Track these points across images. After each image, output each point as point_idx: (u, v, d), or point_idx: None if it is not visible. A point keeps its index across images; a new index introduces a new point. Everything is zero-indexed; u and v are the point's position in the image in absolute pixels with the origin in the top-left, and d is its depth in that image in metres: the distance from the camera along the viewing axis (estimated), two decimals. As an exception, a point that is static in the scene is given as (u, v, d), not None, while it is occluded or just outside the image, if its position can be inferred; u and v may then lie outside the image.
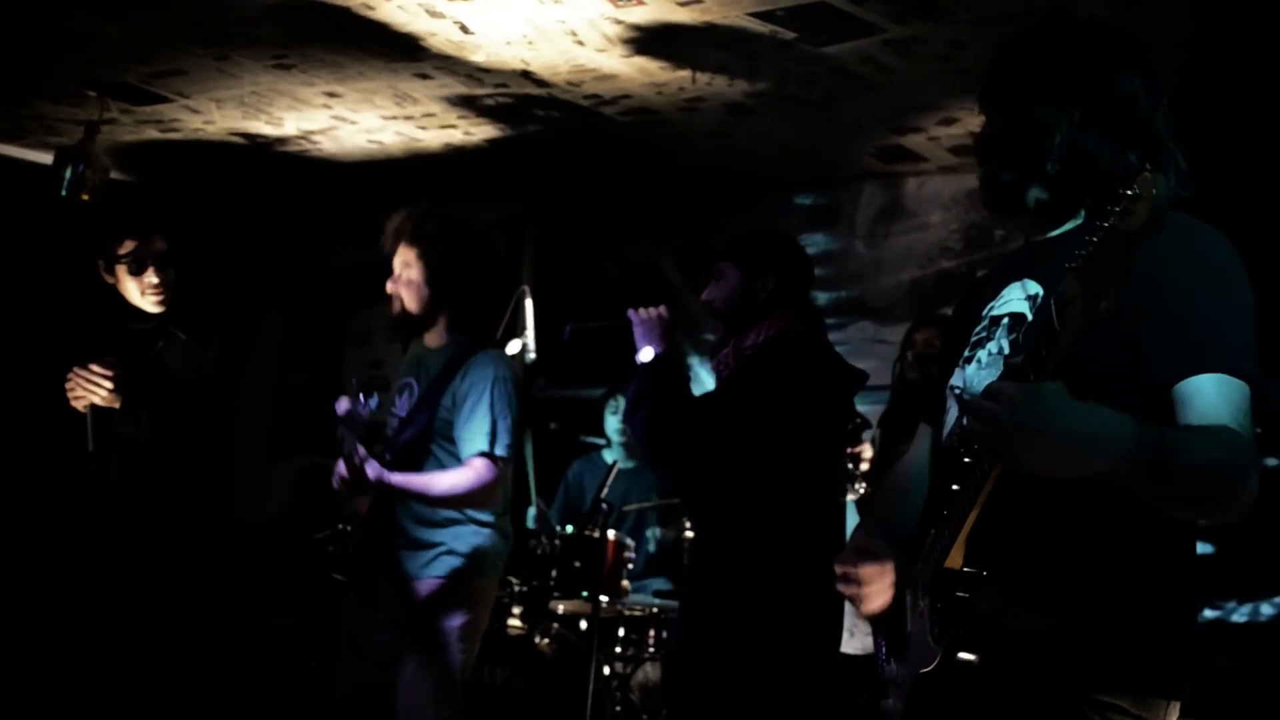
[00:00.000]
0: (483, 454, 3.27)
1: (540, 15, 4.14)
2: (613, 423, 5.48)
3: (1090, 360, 1.65)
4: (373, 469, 3.15)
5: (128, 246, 3.58)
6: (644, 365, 3.07)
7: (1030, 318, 1.80)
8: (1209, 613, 4.53)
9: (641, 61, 4.50)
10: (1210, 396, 1.62)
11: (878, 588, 1.90)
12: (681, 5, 3.96)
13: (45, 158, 5.70)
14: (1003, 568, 1.68)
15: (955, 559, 1.69)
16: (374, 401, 3.20)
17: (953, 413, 1.89)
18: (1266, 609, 4.50)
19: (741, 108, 4.91)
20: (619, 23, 4.15)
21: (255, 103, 5.27)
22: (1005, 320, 1.83)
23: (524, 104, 5.06)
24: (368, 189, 6.18)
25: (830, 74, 4.48)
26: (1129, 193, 1.37)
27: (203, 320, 3.71)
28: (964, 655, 1.68)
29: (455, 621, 3.31)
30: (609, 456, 5.50)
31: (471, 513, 3.34)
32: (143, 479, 3.53)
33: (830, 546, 3.03)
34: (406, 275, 3.38)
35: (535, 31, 4.29)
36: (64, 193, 5.20)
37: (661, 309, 3.14)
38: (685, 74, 4.57)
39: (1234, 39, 4.04)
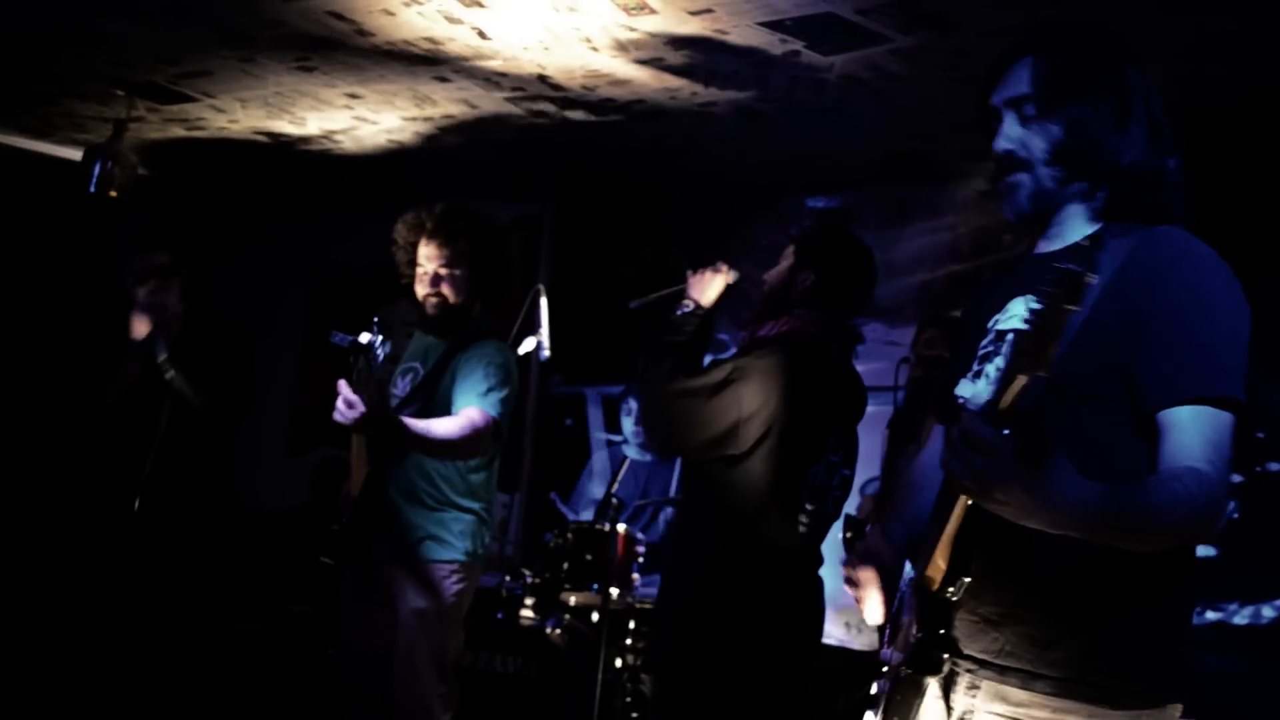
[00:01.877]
0: (474, 405, 3.35)
1: (555, 22, 4.23)
2: (628, 423, 5.53)
3: (1088, 384, 1.70)
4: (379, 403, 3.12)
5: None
6: (674, 316, 3.06)
7: None
8: (1211, 614, 4.59)
9: (654, 67, 4.58)
10: (1186, 432, 1.64)
11: (874, 593, 1.97)
12: (692, 14, 4.03)
13: (73, 154, 5.84)
14: (976, 572, 1.74)
15: (940, 561, 1.77)
16: (387, 347, 3.21)
17: None
18: (1268, 611, 4.56)
19: (753, 112, 4.98)
20: (632, 30, 4.24)
21: (279, 103, 5.38)
22: (1010, 336, 1.83)
23: (541, 107, 5.15)
24: (389, 187, 6.29)
25: (838, 81, 4.55)
26: (1065, 267, 1.43)
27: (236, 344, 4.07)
28: (932, 652, 1.78)
29: (446, 602, 3.42)
30: (629, 454, 5.54)
31: (459, 499, 3.44)
32: (185, 431, 3.85)
33: (805, 551, 3.06)
34: (449, 271, 3.47)
35: (550, 37, 4.38)
36: (92, 189, 5.33)
37: (719, 266, 3.11)
38: (697, 80, 4.65)
39: (1231, 62, 4.05)
